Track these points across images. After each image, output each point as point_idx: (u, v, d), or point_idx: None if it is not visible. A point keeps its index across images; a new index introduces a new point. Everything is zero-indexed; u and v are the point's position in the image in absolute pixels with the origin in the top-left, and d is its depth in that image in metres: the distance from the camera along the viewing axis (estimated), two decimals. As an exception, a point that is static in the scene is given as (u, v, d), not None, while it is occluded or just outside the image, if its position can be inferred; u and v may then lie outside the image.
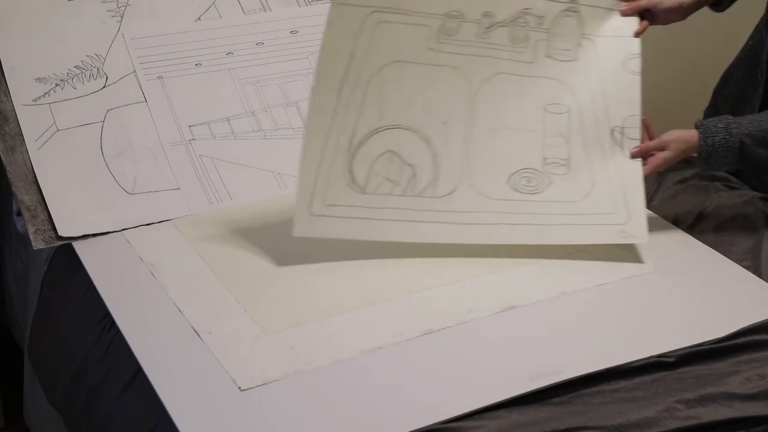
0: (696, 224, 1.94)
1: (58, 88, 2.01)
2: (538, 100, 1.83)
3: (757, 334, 1.59)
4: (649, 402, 1.44)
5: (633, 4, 1.88)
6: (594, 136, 1.83)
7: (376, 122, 1.78)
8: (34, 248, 1.86)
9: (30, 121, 1.97)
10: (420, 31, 1.79)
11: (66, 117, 1.99)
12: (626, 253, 1.81)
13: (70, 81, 2.02)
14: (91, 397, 1.66)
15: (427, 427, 1.39)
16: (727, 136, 1.79)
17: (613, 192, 1.81)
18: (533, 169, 1.82)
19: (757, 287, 1.73)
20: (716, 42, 2.97)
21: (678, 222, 1.95)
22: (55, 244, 1.87)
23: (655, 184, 2.08)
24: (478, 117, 1.82)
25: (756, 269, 1.78)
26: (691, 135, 1.82)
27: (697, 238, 1.88)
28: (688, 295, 1.71)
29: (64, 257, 1.88)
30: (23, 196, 1.90)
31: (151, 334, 1.62)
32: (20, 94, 1.99)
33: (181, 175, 1.99)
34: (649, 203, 2.02)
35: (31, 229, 1.87)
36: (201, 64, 2.12)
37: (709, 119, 1.83)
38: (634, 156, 1.82)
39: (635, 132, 1.83)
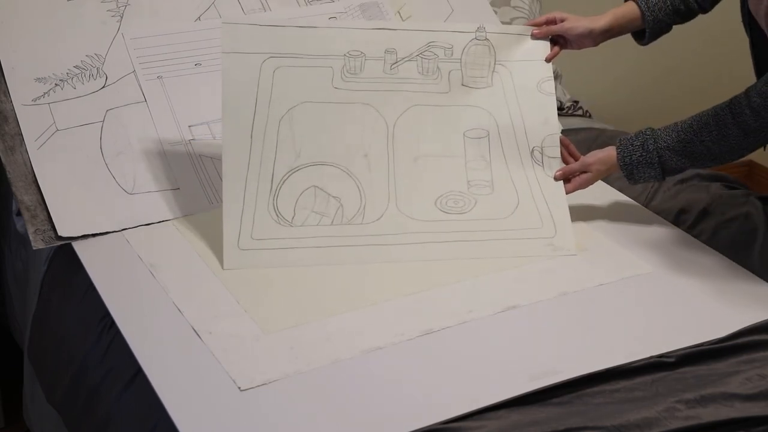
0: (696, 224, 1.94)
1: (57, 88, 2.01)
2: (458, 127, 1.89)
3: (757, 335, 1.59)
4: (650, 402, 1.44)
5: (544, 29, 1.93)
6: (515, 157, 1.89)
7: (294, 161, 1.82)
8: (34, 248, 1.86)
9: (30, 121, 1.97)
10: (322, 72, 1.84)
11: (66, 117, 1.99)
12: (626, 253, 1.81)
13: (69, 81, 2.02)
14: (91, 397, 1.66)
15: (427, 427, 1.39)
16: (644, 153, 1.78)
17: (539, 208, 1.87)
18: (458, 191, 1.87)
19: (757, 287, 1.73)
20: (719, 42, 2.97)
21: (678, 222, 1.95)
22: (55, 244, 1.87)
23: (655, 185, 2.08)
24: (398, 147, 1.86)
25: (757, 269, 1.78)
26: (610, 155, 1.83)
27: (697, 238, 1.88)
28: (688, 295, 1.71)
29: (64, 257, 1.87)
30: (23, 196, 1.90)
31: (150, 334, 1.62)
32: (20, 94, 1.98)
33: (181, 175, 1.99)
34: (649, 203, 2.02)
35: (30, 229, 1.86)
36: (201, 64, 2.11)
37: (628, 136, 1.82)
38: (557, 179, 1.88)
39: (555, 150, 1.89)
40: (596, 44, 1.95)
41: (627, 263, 1.78)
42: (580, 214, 1.94)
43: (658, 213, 1.97)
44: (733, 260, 1.80)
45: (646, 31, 1.94)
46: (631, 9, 1.93)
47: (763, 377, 1.50)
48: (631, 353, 1.53)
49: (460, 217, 1.85)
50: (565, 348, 1.57)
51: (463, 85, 1.90)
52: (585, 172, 1.87)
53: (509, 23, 2.47)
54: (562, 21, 1.93)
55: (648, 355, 1.53)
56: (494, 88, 1.91)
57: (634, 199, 2.02)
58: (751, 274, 1.76)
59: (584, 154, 2.20)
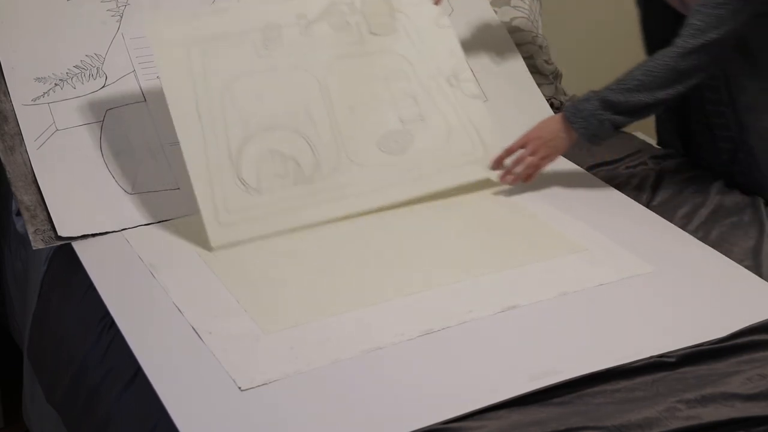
0: (697, 224, 1.94)
1: (57, 87, 2.00)
2: (378, 73, 2.04)
3: (757, 334, 1.59)
4: (650, 402, 1.44)
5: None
6: (435, 88, 2.06)
7: (244, 131, 1.90)
8: (34, 248, 1.85)
9: (29, 121, 1.96)
10: (246, 47, 1.95)
11: (65, 117, 1.98)
12: (627, 252, 1.81)
13: (69, 81, 2.02)
14: (90, 397, 1.66)
15: (427, 427, 1.39)
16: (585, 99, 1.91)
17: (468, 132, 2.04)
18: (396, 130, 2.01)
19: (757, 287, 1.73)
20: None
21: (679, 222, 1.95)
22: (55, 244, 1.87)
23: (655, 184, 2.08)
24: (334, 101, 1.98)
25: (757, 269, 1.78)
26: (554, 116, 1.96)
27: (698, 238, 1.88)
28: (689, 295, 1.71)
29: (64, 257, 1.87)
30: (22, 196, 1.90)
31: (150, 334, 1.61)
32: (20, 93, 1.98)
33: (181, 175, 1.98)
34: (650, 203, 2.02)
35: (30, 229, 1.86)
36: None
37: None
38: (493, 169, 2.03)
39: (466, 75, 2.09)
40: None
41: (627, 263, 1.78)
42: (580, 214, 1.94)
43: (658, 213, 1.97)
44: (734, 260, 1.80)
45: None
46: None
47: (763, 377, 1.49)
48: (632, 353, 1.53)
49: (403, 155, 1.99)
50: (565, 348, 1.57)
51: (371, 33, 2.04)
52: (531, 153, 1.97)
53: (509, 23, 2.48)
54: None
55: (648, 355, 1.53)
56: (399, 33, 2.07)
57: (635, 199, 2.02)
58: (752, 273, 1.76)
59: (586, 157, 2.21)
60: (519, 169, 1.99)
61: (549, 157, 1.97)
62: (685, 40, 1.84)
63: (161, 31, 1.91)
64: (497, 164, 2.02)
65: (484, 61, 2.33)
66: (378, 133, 2.00)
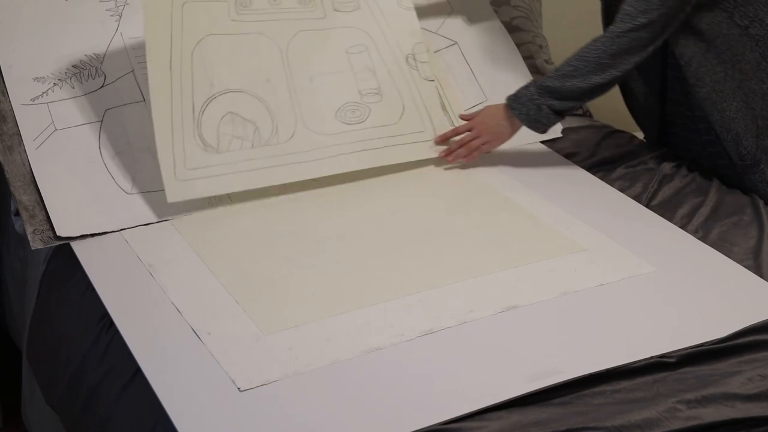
0: (697, 223, 1.94)
1: (56, 87, 2.00)
2: (340, 46, 2.12)
3: (758, 334, 1.58)
4: (650, 402, 1.44)
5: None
6: (394, 65, 2.15)
7: (209, 91, 1.98)
8: (33, 248, 1.85)
9: (28, 121, 1.96)
10: (220, 7, 2.04)
11: (64, 116, 1.98)
12: (627, 252, 1.81)
13: (68, 80, 2.01)
14: (89, 397, 1.65)
15: (427, 427, 1.39)
16: (526, 87, 2.01)
17: (420, 112, 2.13)
18: (353, 102, 2.10)
19: (758, 287, 1.73)
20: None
21: (679, 221, 1.94)
22: (54, 244, 1.86)
23: (655, 184, 2.07)
24: (294, 70, 2.07)
25: (757, 269, 1.78)
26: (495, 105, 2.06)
27: (698, 238, 1.88)
28: (690, 295, 1.71)
29: (63, 257, 1.87)
30: (21, 195, 1.89)
31: (149, 334, 1.61)
32: (18, 93, 1.98)
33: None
34: (650, 203, 2.02)
35: (29, 229, 1.86)
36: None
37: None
38: (437, 143, 2.13)
39: (424, 56, 2.18)
40: None
41: (628, 263, 1.78)
42: (580, 213, 1.94)
43: (658, 212, 1.97)
44: (735, 260, 1.80)
45: None
46: None
47: (764, 377, 1.49)
48: (632, 353, 1.53)
49: (359, 126, 2.08)
50: (565, 348, 1.56)
51: (335, 10, 2.14)
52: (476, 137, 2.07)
53: (509, 22, 2.48)
54: None
55: (649, 355, 1.53)
56: (362, 10, 2.16)
57: (635, 199, 2.02)
58: (753, 273, 1.76)
59: (587, 155, 2.20)
60: (462, 150, 2.09)
61: (491, 143, 2.09)
62: (615, 26, 1.93)
63: None
64: (442, 140, 2.13)
65: (484, 61, 2.33)
66: (335, 104, 2.09)
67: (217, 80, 1.99)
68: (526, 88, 2.02)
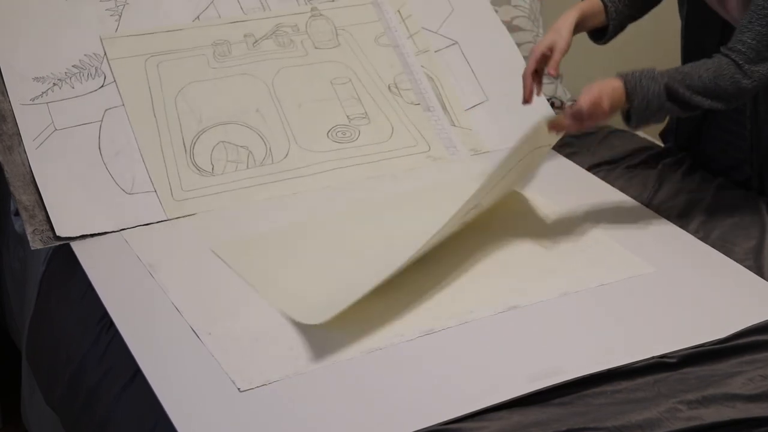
0: (698, 223, 1.93)
1: (56, 87, 2.00)
2: (325, 77, 2.18)
3: (759, 335, 1.58)
4: (651, 403, 1.44)
5: (536, 58, 1.93)
6: (377, 94, 2.20)
7: (198, 126, 2.02)
8: (32, 248, 1.85)
9: (28, 121, 1.96)
10: (198, 60, 2.10)
11: (64, 116, 1.98)
12: (628, 253, 1.80)
13: (68, 80, 2.01)
14: (89, 397, 1.65)
15: (427, 427, 1.39)
16: (647, 71, 1.76)
17: (410, 131, 2.17)
18: (343, 125, 2.14)
19: (759, 287, 1.73)
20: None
21: (680, 221, 1.94)
22: (53, 245, 1.86)
23: (656, 184, 2.07)
24: (282, 99, 2.11)
25: (758, 269, 1.77)
26: (612, 81, 1.77)
27: (699, 238, 1.87)
28: (690, 295, 1.70)
29: (62, 257, 1.87)
30: (21, 196, 1.89)
31: (149, 334, 1.61)
32: (18, 93, 1.98)
33: (180, 174, 1.99)
34: (650, 203, 2.01)
35: (29, 229, 1.86)
36: (199, 64, 2.12)
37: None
38: (550, 129, 1.82)
39: (406, 84, 2.23)
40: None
41: (628, 263, 1.78)
42: (580, 213, 1.93)
43: (659, 212, 1.97)
44: (736, 260, 1.80)
45: (609, 25, 1.97)
46: (593, 4, 1.98)
47: (765, 378, 1.49)
48: (633, 353, 1.53)
49: (351, 144, 2.11)
50: (566, 348, 1.56)
51: (316, 48, 2.20)
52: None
53: (509, 22, 2.47)
54: (550, 50, 1.92)
55: (650, 356, 1.53)
56: (342, 46, 2.22)
57: (635, 199, 2.02)
58: (754, 274, 1.76)
59: (586, 157, 2.20)
60: (571, 125, 1.81)
61: (595, 123, 1.82)
62: (747, 61, 1.76)
63: (118, 44, 2.05)
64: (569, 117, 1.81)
65: (484, 61, 2.33)
66: (326, 126, 2.12)
67: (205, 117, 2.03)
68: (653, 80, 1.76)
